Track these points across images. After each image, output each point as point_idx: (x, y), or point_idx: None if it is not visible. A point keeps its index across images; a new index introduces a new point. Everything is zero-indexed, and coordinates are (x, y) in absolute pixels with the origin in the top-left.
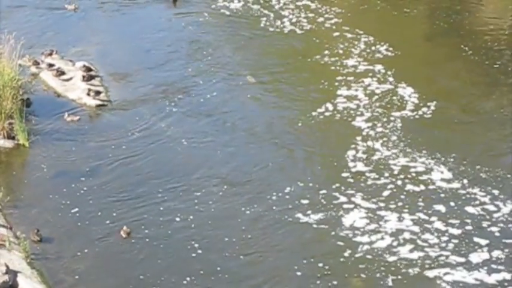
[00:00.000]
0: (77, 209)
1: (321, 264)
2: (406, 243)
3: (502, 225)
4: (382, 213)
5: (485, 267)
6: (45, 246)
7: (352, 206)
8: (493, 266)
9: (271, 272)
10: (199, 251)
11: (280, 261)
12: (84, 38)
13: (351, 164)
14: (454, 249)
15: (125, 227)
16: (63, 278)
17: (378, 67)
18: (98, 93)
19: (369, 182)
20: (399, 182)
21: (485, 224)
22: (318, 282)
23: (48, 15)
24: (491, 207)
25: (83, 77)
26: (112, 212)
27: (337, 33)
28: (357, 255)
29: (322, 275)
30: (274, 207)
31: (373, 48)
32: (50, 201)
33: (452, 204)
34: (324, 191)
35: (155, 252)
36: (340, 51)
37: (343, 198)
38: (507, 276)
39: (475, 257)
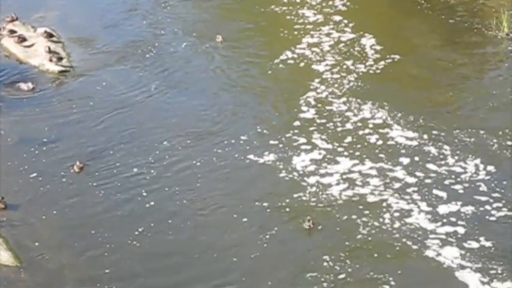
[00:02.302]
0: (40, 175)
1: (266, 204)
2: (357, 187)
3: (457, 178)
4: (334, 157)
5: (437, 216)
6: (11, 213)
7: (305, 150)
8: (451, 217)
9: (220, 215)
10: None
11: (230, 204)
12: (45, 3)
13: (305, 111)
14: (408, 195)
15: (78, 162)
16: (29, 245)
17: (340, 23)
18: (60, 59)
19: (323, 128)
20: (353, 130)
21: (440, 176)
22: (264, 222)
23: None
24: (446, 161)
25: (48, 48)
26: (80, 181)
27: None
28: (304, 198)
29: (268, 215)
30: (228, 152)
31: (342, 24)
32: (13, 168)
33: (403, 152)
34: (278, 136)
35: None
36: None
37: (296, 143)
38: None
39: (422, 203)
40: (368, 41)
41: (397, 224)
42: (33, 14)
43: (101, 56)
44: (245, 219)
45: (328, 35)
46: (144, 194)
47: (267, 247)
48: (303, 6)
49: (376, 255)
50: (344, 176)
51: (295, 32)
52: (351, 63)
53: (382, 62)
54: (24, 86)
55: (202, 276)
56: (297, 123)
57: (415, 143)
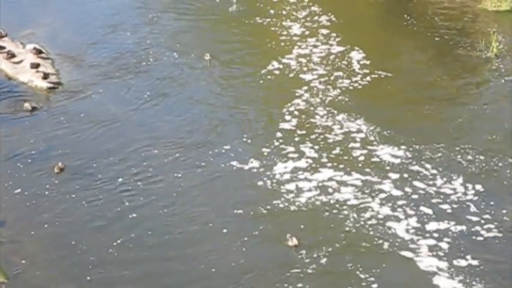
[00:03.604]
0: (29, 192)
1: (247, 213)
2: (337, 197)
3: (443, 195)
4: (317, 167)
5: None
6: None
7: (289, 159)
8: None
9: (201, 225)
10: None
11: (212, 215)
12: (35, 19)
13: (290, 122)
14: (392, 209)
15: (59, 163)
16: (16, 261)
17: (327, 36)
18: (48, 75)
19: (307, 139)
20: (337, 143)
21: (425, 193)
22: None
23: None
24: (430, 178)
25: (32, 65)
26: (68, 198)
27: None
28: (282, 205)
29: (249, 224)
30: (211, 159)
31: (326, 36)
32: (3, 186)
33: (385, 166)
34: (263, 146)
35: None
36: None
37: (281, 152)
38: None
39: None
40: (355, 56)
41: (379, 236)
42: (23, 31)
43: (89, 72)
44: (225, 230)
45: (315, 47)
46: (127, 204)
47: (247, 257)
48: (289, 19)
49: (355, 264)
50: (325, 186)
51: (282, 44)
52: (337, 77)
53: (369, 77)
54: (27, 105)
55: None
56: (281, 133)
57: (398, 159)
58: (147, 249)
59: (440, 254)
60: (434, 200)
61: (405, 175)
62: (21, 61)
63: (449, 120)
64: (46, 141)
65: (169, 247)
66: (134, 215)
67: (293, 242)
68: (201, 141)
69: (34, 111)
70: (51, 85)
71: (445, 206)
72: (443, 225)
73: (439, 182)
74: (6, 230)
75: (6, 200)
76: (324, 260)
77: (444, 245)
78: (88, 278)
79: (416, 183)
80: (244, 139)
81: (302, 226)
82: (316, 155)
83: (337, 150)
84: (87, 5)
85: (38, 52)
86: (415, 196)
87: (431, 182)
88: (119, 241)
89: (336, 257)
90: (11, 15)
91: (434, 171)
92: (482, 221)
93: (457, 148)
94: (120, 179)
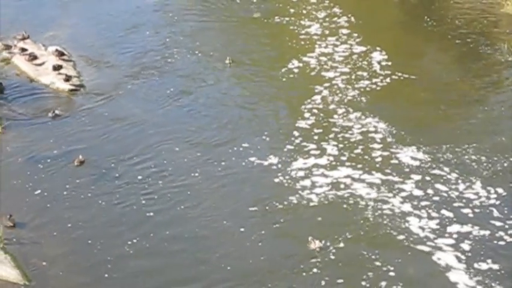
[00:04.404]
0: (50, 194)
1: (267, 206)
2: (356, 196)
3: (464, 198)
4: (336, 166)
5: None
6: (19, 231)
7: (309, 157)
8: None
9: (219, 225)
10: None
11: (230, 214)
12: (56, 21)
13: (309, 122)
14: (412, 212)
15: (80, 156)
16: (36, 263)
17: (355, 47)
18: (70, 77)
19: (326, 138)
20: (355, 143)
21: (445, 196)
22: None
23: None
24: (450, 181)
25: (54, 67)
26: (87, 199)
27: (318, 27)
28: (301, 202)
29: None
30: (232, 157)
31: (346, 36)
32: (23, 187)
33: (403, 168)
34: (280, 144)
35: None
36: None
37: (301, 150)
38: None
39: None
40: (376, 56)
41: (398, 233)
42: (45, 33)
43: (110, 74)
44: (242, 229)
45: (335, 47)
46: (145, 202)
47: (265, 254)
48: (309, 19)
49: (375, 264)
50: (344, 184)
51: (302, 43)
52: (357, 77)
53: (388, 79)
54: (50, 113)
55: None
56: (301, 131)
57: (417, 161)
58: (164, 247)
59: (460, 253)
60: (454, 201)
61: (425, 176)
62: (43, 63)
63: (470, 122)
64: (67, 142)
65: (187, 245)
66: (151, 213)
67: (316, 244)
68: (222, 139)
69: (57, 117)
70: (73, 87)
71: (465, 209)
72: (463, 227)
73: (458, 184)
74: (27, 232)
75: (26, 202)
76: (341, 256)
77: (464, 246)
78: (107, 277)
79: (436, 185)
80: (264, 137)
81: (321, 223)
82: (335, 154)
83: (356, 150)
84: (108, 6)
85: (60, 54)
86: (435, 198)
87: (451, 184)
88: (137, 240)
89: (354, 252)
90: (33, 18)
91: (455, 173)
92: (505, 225)
93: (478, 150)
94: (139, 177)
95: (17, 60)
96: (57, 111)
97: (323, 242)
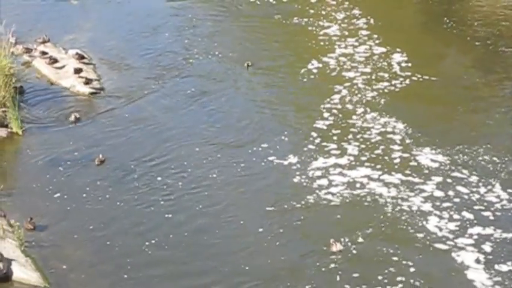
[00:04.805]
0: (70, 197)
1: (285, 206)
2: (376, 197)
3: (483, 200)
4: (355, 166)
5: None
6: (39, 234)
7: (329, 157)
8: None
9: (239, 227)
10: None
11: (249, 216)
12: (77, 25)
13: (328, 122)
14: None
15: (100, 155)
16: (57, 266)
17: (375, 48)
18: (91, 80)
19: (346, 139)
20: (375, 143)
21: (466, 198)
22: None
23: (41, 2)
24: (471, 184)
25: (74, 70)
26: (106, 201)
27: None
28: (320, 202)
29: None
30: (252, 158)
31: (366, 37)
32: (44, 190)
33: (423, 170)
34: (299, 144)
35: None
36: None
37: (321, 150)
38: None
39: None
40: (395, 58)
41: (421, 242)
42: (65, 36)
43: (130, 77)
44: (261, 229)
45: (355, 48)
46: (164, 203)
47: (283, 258)
48: (328, 20)
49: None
50: (362, 184)
51: (322, 44)
52: (376, 78)
53: (408, 80)
54: (72, 117)
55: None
56: (319, 132)
57: (437, 163)
58: (183, 248)
59: (479, 253)
60: (474, 203)
61: (444, 178)
62: (63, 66)
63: (489, 124)
64: (87, 145)
65: (206, 246)
66: (170, 215)
67: (337, 247)
68: (241, 140)
69: (78, 122)
70: (93, 90)
71: (486, 212)
72: (484, 229)
73: (479, 186)
74: (47, 235)
75: (46, 205)
76: (361, 256)
77: (485, 248)
78: (127, 279)
79: (456, 187)
80: (284, 137)
81: (341, 223)
82: (354, 154)
83: (375, 150)
84: (127, 9)
85: (80, 57)
86: (455, 199)
87: (470, 186)
88: (156, 241)
89: (374, 252)
90: (54, 21)
91: (474, 175)
92: None
93: (497, 152)
94: (159, 178)
95: (37, 64)
96: (78, 115)
97: (344, 243)
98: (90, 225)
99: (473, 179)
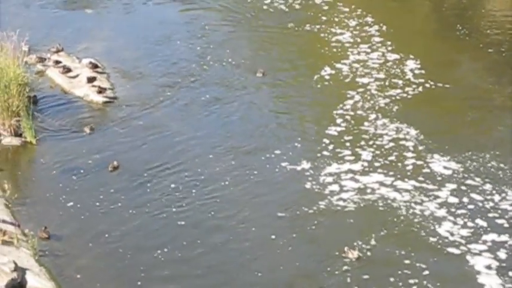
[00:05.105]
0: (84, 206)
1: (298, 212)
2: (387, 204)
3: (496, 206)
4: (367, 172)
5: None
6: (53, 243)
7: (342, 163)
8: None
9: (251, 233)
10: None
11: (262, 222)
12: (90, 34)
13: (338, 127)
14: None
15: (114, 162)
16: (71, 275)
17: (388, 55)
18: (104, 89)
19: (358, 145)
20: (386, 150)
21: (479, 205)
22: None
23: (55, 12)
24: (483, 192)
25: (88, 79)
26: (120, 209)
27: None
28: (333, 207)
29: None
30: (266, 165)
31: (379, 44)
32: (58, 199)
33: (434, 177)
34: (312, 150)
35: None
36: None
37: (334, 156)
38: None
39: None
40: (408, 65)
41: (434, 249)
42: (78, 45)
43: (143, 86)
44: (273, 236)
45: (367, 54)
46: (176, 210)
47: (298, 263)
48: (340, 27)
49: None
50: (375, 190)
51: (335, 50)
52: (389, 85)
53: (421, 87)
54: (87, 128)
55: None
56: (332, 138)
57: (449, 170)
58: (196, 256)
59: (493, 259)
60: (487, 210)
61: (457, 185)
62: (77, 75)
63: (503, 131)
64: (100, 154)
65: (219, 252)
66: (183, 222)
67: (353, 254)
68: (255, 146)
69: (92, 133)
70: (107, 99)
71: (499, 220)
72: (499, 236)
73: (492, 193)
74: (61, 244)
75: (60, 214)
76: (375, 261)
77: (499, 254)
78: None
79: (469, 194)
80: (297, 144)
81: (354, 230)
82: (368, 160)
83: (389, 157)
84: (140, 19)
85: (94, 66)
86: (469, 206)
87: (484, 194)
88: (169, 249)
89: (386, 257)
90: (67, 30)
91: (487, 182)
92: None
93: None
94: (172, 185)
95: (51, 73)
96: (92, 127)
97: (359, 248)
98: (104, 234)
99: (486, 185)
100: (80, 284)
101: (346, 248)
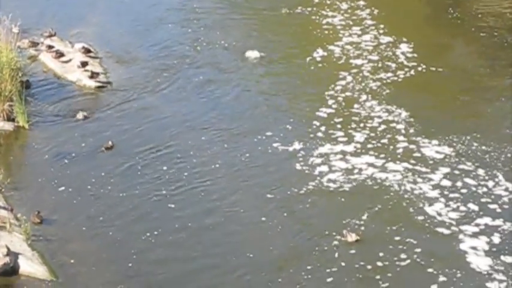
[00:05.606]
0: (76, 190)
1: (287, 190)
2: (379, 185)
3: (487, 191)
4: (351, 154)
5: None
6: (46, 227)
7: (330, 144)
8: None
9: (239, 199)
10: None
11: (251, 205)
12: (83, 19)
13: (330, 110)
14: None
15: (110, 142)
16: (64, 259)
17: (380, 38)
18: (97, 74)
19: (349, 127)
20: (376, 132)
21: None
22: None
23: None
24: (475, 176)
25: (80, 63)
26: (112, 193)
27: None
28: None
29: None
30: (258, 147)
31: (373, 29)
32: (50, 183)
33: (423, 159)
34: (304, 132)
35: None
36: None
37: (326, 138)
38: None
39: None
40: (400, 48)
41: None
42: (71, 30)
43: (137, 70)
44: (264, 218)
45: (359, 37)
46: (165, 192)
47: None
48: (332, 10)
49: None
50: (366, 171)
51: (326, 33)
52: (381, 68)
53: (413, 71)
54: (80, 115)
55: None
56: (323, 121)
57: (441, 154)
58: (188, 239)
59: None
60: (478, 193)
61: (449, 169)
62: (69, 60)
63: (495, 115)
64: (93, 138)
65: (211, 235)
66: (173, 205)
67: (352, 237)
68: (246, 128)
69: (86, 119)
70: (100, 84)
71: (491, 204)
72: (492, 220)
73: (483, 177)
74: (54, 228)
75: (53, 199)
76: (367, 243)
77: (493, 238)
78: (134, 272)
79: (462, 177)
80: (288, 125)
81: (348, 211)
82: (359, 141)
83: (380, 139)
84: (132, 3)
85: (87, 51)
86: (461, 189)
87: (475, 177)
88: (160, 231)
89: (375, 239)
90: (60, 15)
91: (478, 166)
92: None
93: (502, 143)
94: (164, 168)
95: (43, 57)
96: (86, 114)
97: (356, 233)
98: (96, 218)
99: (478, 169)
100: (72, 268)
101: (344, 231)
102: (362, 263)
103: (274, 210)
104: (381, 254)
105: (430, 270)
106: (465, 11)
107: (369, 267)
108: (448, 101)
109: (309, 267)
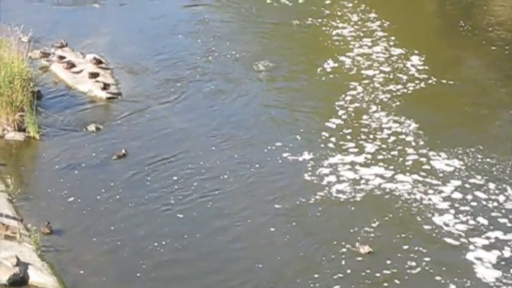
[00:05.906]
0: (87, 201)
1: (296, 200)
2: (387, 198)
3: (497, 204)
4: (360, 165)
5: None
6: (56, 238)
7: (340, 155)
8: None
9: (248, 208)
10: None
11: (261, 218)
12: (95, 30)
13: (339, 121)
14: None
15: (123, 150)
16: (73, 270)
17: (391, 50)
18: (108, 85)
19: (358, 139)
20: (385, 144)
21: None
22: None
23: (59, 7)
24: (485, 189)
25: (91, 74)
26: (122, 203)
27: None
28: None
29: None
30: (267, 158)
31: (384, 42)
32: (61, 194)
33: (433, 172)
34: (313, 143)
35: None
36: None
37: (334, 149)
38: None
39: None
40: (410, 60)
41: (437, 246)
42: (83, 41)
43: (147, 82)
44: (273, 229)
45: (370, 49)
46: (174, 202)
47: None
48: (343, 21)
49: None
50: (374, 182)
51: (337, 44)
52: (391, 80)
53: (423, 83)
54: (92, 126)
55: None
56: (332, 132)
57: (451, 167)
58: (196, 248)
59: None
60: (488, 206)
61: (459, 182)
62: (81, 71)
63: (506, 128)
64: (103, 149)
65: (220, 245)
66: (181, 215)
67: (365, 249)
68: (256, 138)
69: (98, 130)
70: (111, 95)
71: (502, 219)
72: (499, 233)
73: (493, 191)
74: (64, 239)
75: (63, 209)
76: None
77: (503, 251)
78: (144, 284)
79: (472, 190)
80: (298, 136)
81: (358, 222)
82: (369, 153)
83: (389, 151)
84: (143, 14)
85: (98, 62)
86: (471, 201)
87: (485, 190)
88: (170, 242)
89: (385, 251)
90: (72, 26)
91: (488, 179)
92: None
93: None
94: (175, 178)
95: (55, 68)
96: (99, 126)
97: (369, 245)
98: (106, 229)
99: (488, 183)
100: (82, 279)
101: (357, 244)
102: (375, 274)
103: (283, 220)
104: (392, 265)
105: (440, 280)
106: (476, 23)
107: (381, 278)
108: (458, 113)
109: (317, 276)
